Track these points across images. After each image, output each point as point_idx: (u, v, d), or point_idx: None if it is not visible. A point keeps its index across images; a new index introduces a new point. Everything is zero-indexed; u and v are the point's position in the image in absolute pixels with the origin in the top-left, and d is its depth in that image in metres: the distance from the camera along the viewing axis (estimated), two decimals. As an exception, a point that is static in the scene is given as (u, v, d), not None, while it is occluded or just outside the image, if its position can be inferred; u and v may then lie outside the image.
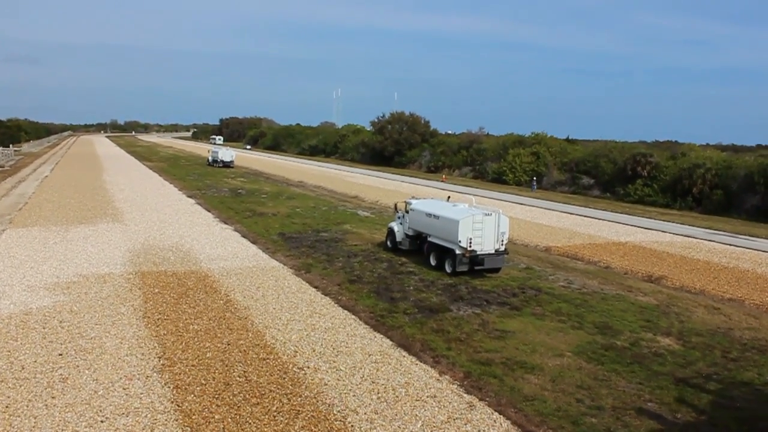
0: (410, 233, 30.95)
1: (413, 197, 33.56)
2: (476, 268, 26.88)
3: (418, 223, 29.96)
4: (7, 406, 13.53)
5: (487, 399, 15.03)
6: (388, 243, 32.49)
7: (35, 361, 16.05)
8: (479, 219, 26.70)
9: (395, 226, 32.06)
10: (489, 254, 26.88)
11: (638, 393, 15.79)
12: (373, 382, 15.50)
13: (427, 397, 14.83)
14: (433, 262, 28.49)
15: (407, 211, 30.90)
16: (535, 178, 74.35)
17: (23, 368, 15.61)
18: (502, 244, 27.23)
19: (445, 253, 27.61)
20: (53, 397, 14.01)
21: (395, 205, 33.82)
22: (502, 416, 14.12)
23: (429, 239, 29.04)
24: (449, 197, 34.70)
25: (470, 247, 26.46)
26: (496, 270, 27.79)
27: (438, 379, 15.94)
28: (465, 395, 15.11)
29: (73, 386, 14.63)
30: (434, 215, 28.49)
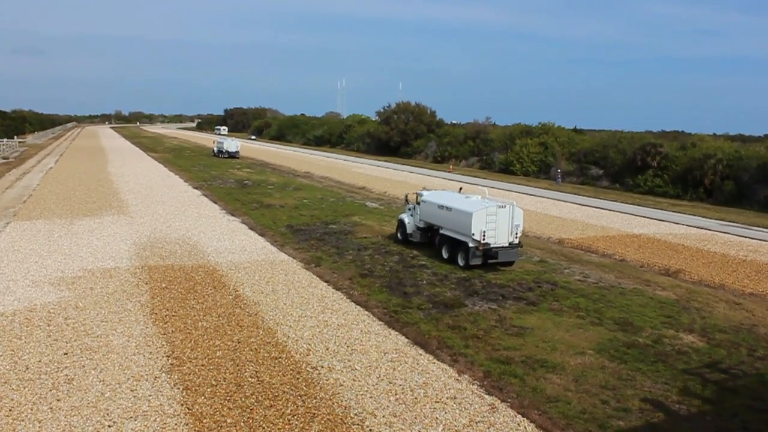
0: (421, 225, 30.31)
1: (424, 189, 32.97)
2: (490, 261, 26.34)
3: (430, 215, 29.38)
4: (11, 410, 12.98)
5: (509, 400, 14.44)
6: (399, 235, 31.85)
7: (40, 361, 15.51)
8: (493, 211, 26.08)
9: (406, 218, 31.47)
10: (503, 247, 26.29)
11: (665, 394, 15.19)
12: (390, 383, 14.92)
13: (447, 398, 14.24)
14: (445, 255, 27.92)
15: (418, 203, 30.29)
16: (560, 171, 71.77)
17: (27, 368, 15.06)
18: (516, 237, 26.62)
19: (457, 246, 27.05)
20: (58, 400, 13.46)
21: (406, 196, 33.17)
22: (525, 419, 13.52)
23: (441, 232, 28.49)
24: (461, 189, 34.05)
25: (484, 239, 25.85)
26: (510, 263, 27.17)
27: (457, 379, 15.36)
28: (486, 396, 14.52)
29: (79, 388, 14.08)
30: (446, 207, 27.91)
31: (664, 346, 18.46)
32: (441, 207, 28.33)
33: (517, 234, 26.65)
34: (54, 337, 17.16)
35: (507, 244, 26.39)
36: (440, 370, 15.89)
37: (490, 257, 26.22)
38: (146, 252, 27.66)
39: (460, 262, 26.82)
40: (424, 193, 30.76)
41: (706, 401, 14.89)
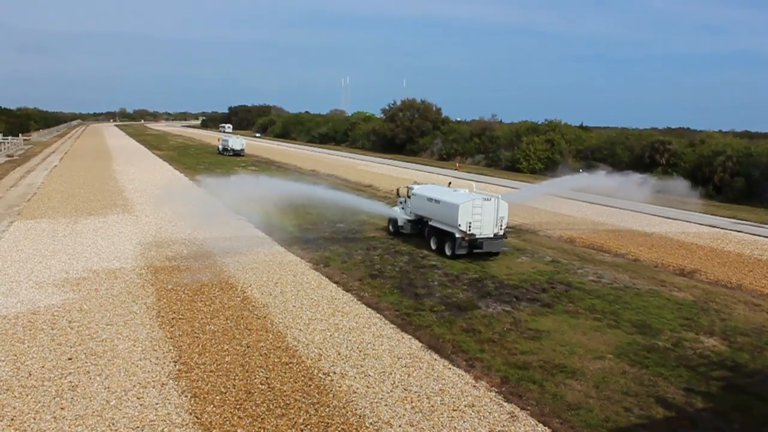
0: (411, 218, 31.48)
1: (415, 182, 34.38)
2: (475, 251, 27.48)
3: (420, 207, 30.64)
4: (12, 419, 12.50)
5: (529, 408, 13.92)
6: (391, 227, 33.07)
7: (43, 367, 15.03)
8: (479, 204, 27.33)
9: (398, 210, 32.76)
10: (488, 238, 27.54)
11: (689, 401, 14.66)
12: (405, 390, 14.40)
13: (465, 406, 13.72)
14: (433, 245, 29.13)
15: (409, 196, 31.54)
16: (581, 170, 70.42)
17: (30, 375, 14.58)
18: (501, 229, 27.89)
19: (445, 237, 28.24)
20: (62, 408, 12.98)
21: (397, 190, 34.53)
22: (547, 428, 13.01)
23: (430, 223, 29.69)
24: (450, 183, 35.25)
25: (469, 230, 27.10)
26: (495, 254, 28.33)
27: (474, 386, 14.83)
28: (505, 404, 13.99)
29: (84, 395, 13.60)
30: (435, 200, 29.24)
31: (685, 349, 17.93)
32: (430, 200, 29.64)
33: (501, 225, 27.90)
34: (58, 341, 16.70)
35: (492, 235, 27.64)
36: (456, 375, 15.37)
37: (475, 247, 27.39)
38: (152, 252, 27.18)
39: (447, 252, 27.96)
40: (415, 186, 31.99)
41: (733, 408, 14.35)
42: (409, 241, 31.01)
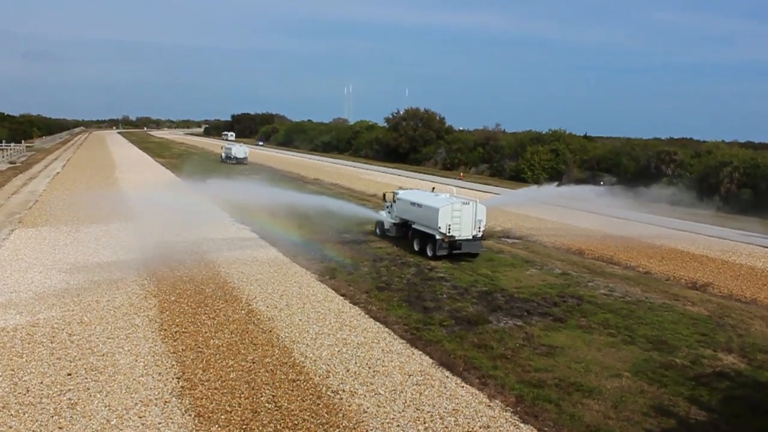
0: (396, 221, 33.06)
1: (400, 188, 35.94)
2: (454, 252, 28.87)
3: (404, 211, 32.24)
4: (8, 439, 11.99)
5: (547, 429, 13.38)
6: (377, 230, 34.92)
7: (41, 383, 14.51)
8: (458, 207, 28.79)
9: (384, 214, 34.37)
10: (467, 240, 28.96)
11: (713, 422, 14.10)
12: (417, 409, 13.85)
13: (480, 427, 13.17)
14: (416, 247, 30.60)
15: (394, 201, 33.07)
16: (603, 183, 69.21)
17: (28, 391, 14.07)
18: (479, 231, 29.38)
19: (426, 239, 29.74)
20: (61, 428, 12.46)
21: (384, 195, 35.79)
22: (567, 452, 12.46)
23: (413, 226, 31.25)
24: (434, 188, 36.77)
25: (449, 233, 28.52)
26: (474, 255, 29.61)
27: (489, 405, 14.28)
28: (521, 425, 13.45)
29: (83, 414, 13.08)
30: (417, 204, 30.82)
31: (704, 367, 17.37)
32: (413, 204, 31.21)
33: (480, 228, 29.40)
34: (57, 355, 16.19)
35: (471, 237, 29.10)
36: (469, 394, 14.83)
37: (454, 248, 28.78)
38: (154, 262, 26.65)
39: (429, 253, 29.36)
40: (400, 191, 33.65)
41: (758, 430, 13.78)
42: (415, 252, 30.50)
